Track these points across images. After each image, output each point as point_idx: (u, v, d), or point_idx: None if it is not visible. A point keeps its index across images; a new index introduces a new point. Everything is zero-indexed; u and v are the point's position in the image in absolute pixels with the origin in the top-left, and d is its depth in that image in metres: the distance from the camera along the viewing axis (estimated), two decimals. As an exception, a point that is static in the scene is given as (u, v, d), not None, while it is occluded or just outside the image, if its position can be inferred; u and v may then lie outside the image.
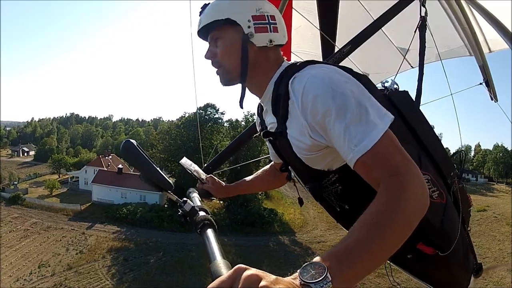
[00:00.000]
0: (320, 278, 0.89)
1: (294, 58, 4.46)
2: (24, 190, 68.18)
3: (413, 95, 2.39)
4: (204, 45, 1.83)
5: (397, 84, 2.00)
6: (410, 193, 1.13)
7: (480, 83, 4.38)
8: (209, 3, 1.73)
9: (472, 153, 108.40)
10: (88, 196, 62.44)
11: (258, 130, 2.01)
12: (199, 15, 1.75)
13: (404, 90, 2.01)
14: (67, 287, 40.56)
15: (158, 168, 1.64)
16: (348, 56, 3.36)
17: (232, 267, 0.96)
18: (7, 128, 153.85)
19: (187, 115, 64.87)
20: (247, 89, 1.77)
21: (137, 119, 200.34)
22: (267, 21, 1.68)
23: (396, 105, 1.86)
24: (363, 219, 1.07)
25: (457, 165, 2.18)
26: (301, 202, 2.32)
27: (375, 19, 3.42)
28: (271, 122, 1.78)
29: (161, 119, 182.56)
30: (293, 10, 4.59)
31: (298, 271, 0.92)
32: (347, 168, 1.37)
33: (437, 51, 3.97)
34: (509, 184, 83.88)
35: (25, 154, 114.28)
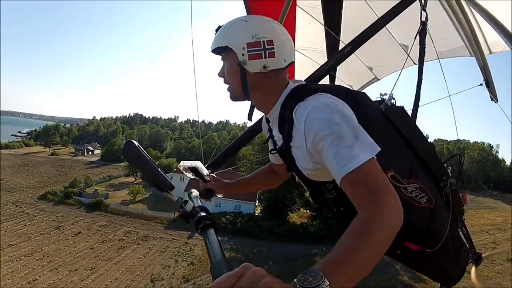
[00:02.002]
0: (319, 284, 0.93)
1: (298, 56, 4.75)
2: (105, 195, 61.50)
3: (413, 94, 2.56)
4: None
5: (394, 99, 2.00)
6: (388, 210, 1.21)
7: (481, 84, 4.08)
8: (221, 26, 1.76)
9: None
10: (175, 203, 54.95)
11: (266, 136, 2.04)
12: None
13: (400, 106, 2.00)
14: (191, 301, 36.55)
15: (159, 169, 1.61)
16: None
17: (233, 267, 1.05)
18: (67, 125, 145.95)
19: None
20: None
21: (203, 121, 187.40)
22: (262, 47, 1.64)
23: (392, 120, 1.86)
24: (350, 231, 1.16)
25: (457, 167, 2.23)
26: (300, 188, 2.11)
27: (378, 15, 3.36)
28: (277, 136, 1.82)
29: (228, 122, 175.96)
30: (297, 7, 4.27)
31: (295, 279, 0.95)
32: None
33: (435, 50, 3.49)
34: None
35: (90, 153, 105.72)
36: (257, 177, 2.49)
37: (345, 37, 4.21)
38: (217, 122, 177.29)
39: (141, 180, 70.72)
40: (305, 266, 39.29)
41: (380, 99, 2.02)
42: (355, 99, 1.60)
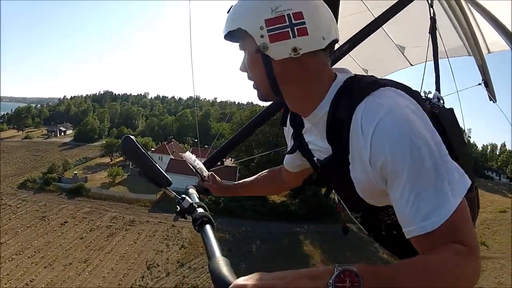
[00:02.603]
0: None
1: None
2: (84, 179, 59.20)
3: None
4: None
5: (442, 99, 1.84)
6: (472, 268, 0.96)
7: (479, 84, 4.02)
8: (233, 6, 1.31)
9: (498, 151, 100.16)
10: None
11: (289, 143, 1.61)
12: None
13: (450, 108, 1.77)
14: (191, 285, 36.42)
15: (157, 164, 1.53)
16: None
17: (230, 264, 1.03)
18: (38, 106, 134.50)
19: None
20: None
21: (173, 97, 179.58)
22: (287, 23, 1.15)
23: (442, 123, 1.47)
24: (421, 262, 0.94)
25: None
26: (346, 231, 1.84)
27: (375, 16, 3.26)
28: (320, 146, 1.35)
29: (199, 97, 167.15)
30: None
31: (332, 277, 0.80)
32: None
33: (445, 49, 3.18)
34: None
35: (62, 134, 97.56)
36: (261, 182, 2.17)
37: (342, 38, 4.17)
38: (187, 98, 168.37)
39: (117, 161, 70.21)
40: (291, 244, 41.85)
41: (424, 97, 1.79)
42: (417, 99, 1.20)
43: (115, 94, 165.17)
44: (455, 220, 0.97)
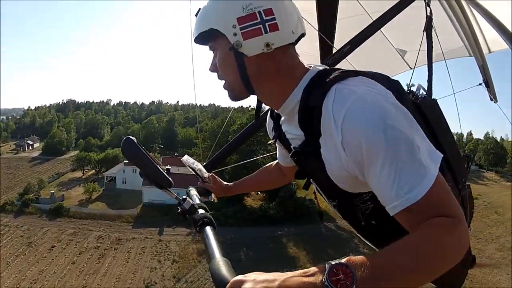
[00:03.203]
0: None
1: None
2: (61, 197, 56.82)
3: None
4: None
5: (424, 90, 1.82)
6: (458, 238, 0.98)
7: (480, 84, 4.09)
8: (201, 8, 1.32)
9: (464, 140, 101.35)
10: (131, 196, 54.96)
11: (271, 136, 1.65)
12: None
13: (433, 99, 1.77)
14: (192, 299, 37.06)
15: (158, 166, 1.47)
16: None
17: (231, 265, 1.03)
18: (3, 118, 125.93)
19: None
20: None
21: (135, 102, 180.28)
22: (259, 20, 1.19)
23: (425, 113, 1.52)
24: (405, 244, 0.93)
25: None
26: (321, 216, 2.07)
27: (373, 19, 3.19)
28: (295, 134, 1.37)
29: (161, 102, 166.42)
30: None
31: (326, 272, 0.81)
32: None
33: (442, 51, 3.41)
34: (498, 172, 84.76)
35: (30, 148, 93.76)
36: (262, 176, 2.22)
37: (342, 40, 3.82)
38: (150, 103, 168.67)
39: (89, 174, 68.56)
40: (276, 248, 42.98)
41: (407, 91, 1.74)
42: (395, 88, 1.25)
43: (78, 102, 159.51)
44: (437, 189, 0.99)
